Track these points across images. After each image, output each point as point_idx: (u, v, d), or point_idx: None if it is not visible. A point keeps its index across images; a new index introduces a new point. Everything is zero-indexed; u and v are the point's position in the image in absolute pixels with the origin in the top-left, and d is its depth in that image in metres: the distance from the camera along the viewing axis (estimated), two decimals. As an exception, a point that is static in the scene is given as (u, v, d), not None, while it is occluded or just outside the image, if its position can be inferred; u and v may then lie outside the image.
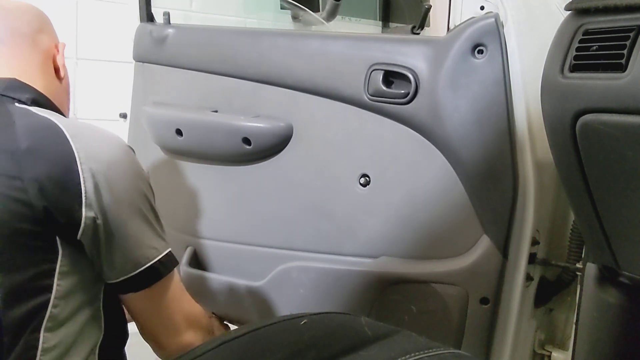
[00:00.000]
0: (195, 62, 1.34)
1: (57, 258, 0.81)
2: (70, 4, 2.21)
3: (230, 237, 1.34)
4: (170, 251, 0.93)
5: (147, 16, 1.45)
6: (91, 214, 0.82)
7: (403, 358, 0.72)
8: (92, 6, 2.25)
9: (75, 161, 0.81)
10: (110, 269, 0.87)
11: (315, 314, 0.85)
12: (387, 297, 1.15)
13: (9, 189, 0.78)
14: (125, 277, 0.88)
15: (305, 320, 0.81)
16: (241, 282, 1.32)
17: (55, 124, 0.85)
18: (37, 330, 0.79)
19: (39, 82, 0.97)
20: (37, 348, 0.79)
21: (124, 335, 0.98)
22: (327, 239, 1.20)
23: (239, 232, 1.32)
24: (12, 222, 0.78)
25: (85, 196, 0.81)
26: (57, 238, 0.81)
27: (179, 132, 1.32)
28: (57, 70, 1.03)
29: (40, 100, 0.94)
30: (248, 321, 1.32)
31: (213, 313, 1.35)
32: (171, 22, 1.41)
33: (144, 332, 0.97)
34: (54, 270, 0.81)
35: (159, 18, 1.44)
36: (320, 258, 1.21)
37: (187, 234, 1.41)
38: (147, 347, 1.01)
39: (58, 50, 1.04)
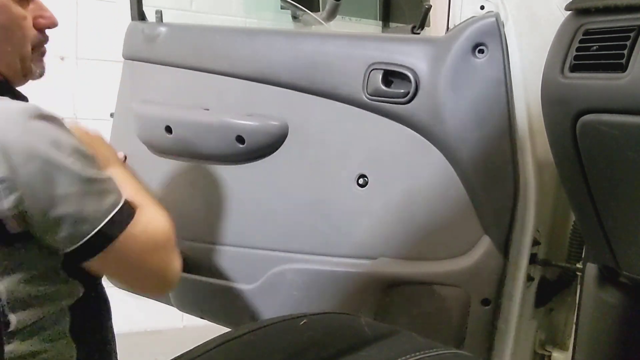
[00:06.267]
0: (188, 61, 1.32)
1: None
2: (70, 4, 2.21)
3: (221, 239, 1.31)
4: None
5: (139, 15, 1.44)
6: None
7: (403, 358, 0.72)
8: (92, 6, 2.25)
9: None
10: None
11: (315, 314, 0.85)
12: (386, 299, 1.14)
13: None
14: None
15: (305, 320, 0.81)
16: (233, 285, 1.29)
17: None
18: None
19: None
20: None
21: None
22: (324, 240, 1.19)
23: (231, 234, 1.29)
24: None
25: None
26: None
27: (168, 130, 1.29)
28: None
29: None
30: (240, 325, 1.30)
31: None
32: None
33: (129, 288, 0.95)
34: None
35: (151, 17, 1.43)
36: (316, 260, 1.19)
37: (175, 236, 1.38)
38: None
39: None
